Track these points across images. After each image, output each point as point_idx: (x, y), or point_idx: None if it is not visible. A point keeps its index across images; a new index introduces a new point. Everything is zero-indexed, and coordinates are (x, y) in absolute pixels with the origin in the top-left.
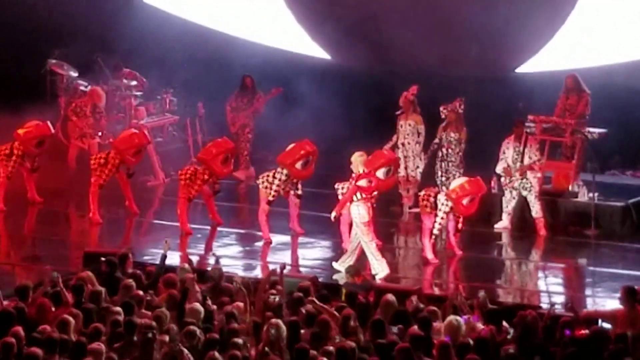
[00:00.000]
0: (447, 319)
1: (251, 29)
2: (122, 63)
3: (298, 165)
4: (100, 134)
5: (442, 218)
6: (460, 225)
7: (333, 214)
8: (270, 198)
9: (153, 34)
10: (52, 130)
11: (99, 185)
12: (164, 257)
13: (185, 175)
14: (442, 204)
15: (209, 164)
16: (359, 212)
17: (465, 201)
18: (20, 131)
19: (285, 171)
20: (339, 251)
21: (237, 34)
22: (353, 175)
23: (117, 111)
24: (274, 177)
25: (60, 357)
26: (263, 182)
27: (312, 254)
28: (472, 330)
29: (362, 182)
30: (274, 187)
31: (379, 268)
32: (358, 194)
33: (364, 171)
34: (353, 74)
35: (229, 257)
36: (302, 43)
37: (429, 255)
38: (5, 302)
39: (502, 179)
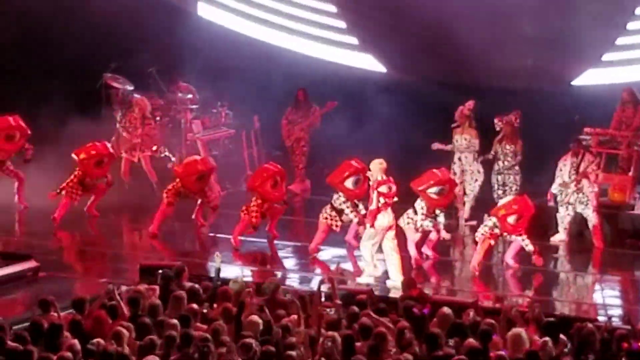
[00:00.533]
0: (512, 331)
1: (306, 42)
2: (177, 76)
3: (348, 183)
4: (154, 147)
5: (482, 234)
6: (530, 249)
7: (368, 226)
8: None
9: (209, 48)
10: (111, 150)
11: (167, 203)
12: (218, 270)
13: (242, 209)
14: (488, 219)
15: (259, 191)
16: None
17: (511, 219)
18: (79, 152)
19: (341, 195)
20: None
21: (293, 47)
22: (371, 182)
23: (173, 124)
24: (332, 207)
25: None
26: (327, 218)
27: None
28: (529, 343)
29: (383, 189)
30: (347, 211)
31: (368, 271)
32: (381, 199)
33: (382, 178)
34: (409, 86)
35: (285, 269)
36: (356, 56)
37: (473, 262)
38: (62, 315)
39: (558, 197)
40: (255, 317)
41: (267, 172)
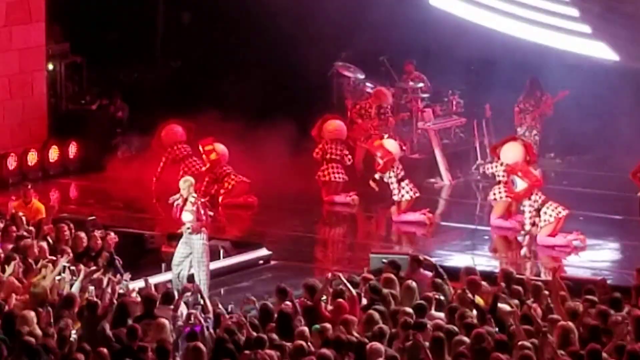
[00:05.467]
0: None
1: (538, 30)
2: (409, 65)
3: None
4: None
5: None
6: None
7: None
8: None
9: (441, 36)
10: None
11: None
12: (436, 265)
13: None
14: None
15: None
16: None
17: None
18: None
19: None
20: (628, 253)
21: (525, 35)
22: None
23: (404, 112)
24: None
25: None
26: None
27: (601, 255)
28: None
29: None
30: None
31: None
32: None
33: (195, 197)
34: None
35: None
36: (588, 43)
37: None
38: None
39: None
40: (507, 307)
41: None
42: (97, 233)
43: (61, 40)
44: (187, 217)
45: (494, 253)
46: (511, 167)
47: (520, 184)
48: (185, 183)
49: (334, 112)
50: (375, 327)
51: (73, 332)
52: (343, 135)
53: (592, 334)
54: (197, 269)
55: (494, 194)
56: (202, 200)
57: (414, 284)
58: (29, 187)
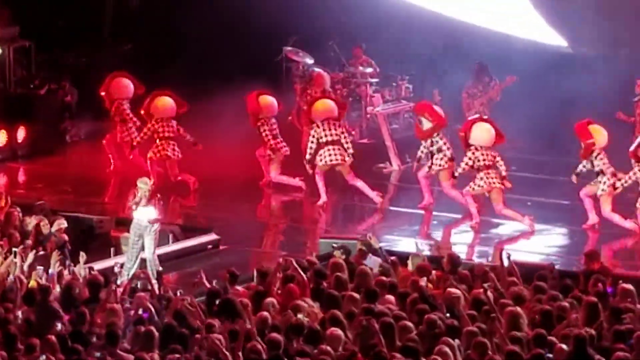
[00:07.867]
0: None
1: (486, 16)
2: (358, 50)
3: None
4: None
5: None
6: None
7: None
8: None
9: (388, 21)
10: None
11: None
12: (380, 248)
13: None
14: None
15: None
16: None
17: None
18: None
19: None
20: (575, 238)
21: (473, 21)
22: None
23: (353, 98)
24: None
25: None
26: None
27: (549, 241)
28: None
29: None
30: None
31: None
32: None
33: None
34: (589, 60)
35: (462, 244)
36: (538, 30)
37: None
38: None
39: None
40: (455, 291)
41: None
42: (41, 218)
43: (10, 23)
44: (150, 214)
45: (442, 238)
46: (418, 107)
47: (426, 124)
48: (146, 185)
49: (283, 96)
50: (329, 313)
51: (19, 315)
52: (275, 111)
53: (544, 319)
54: (149, 255)
55: (436, 165)
56: (158, 195)
57: (367, 269)
58: None
